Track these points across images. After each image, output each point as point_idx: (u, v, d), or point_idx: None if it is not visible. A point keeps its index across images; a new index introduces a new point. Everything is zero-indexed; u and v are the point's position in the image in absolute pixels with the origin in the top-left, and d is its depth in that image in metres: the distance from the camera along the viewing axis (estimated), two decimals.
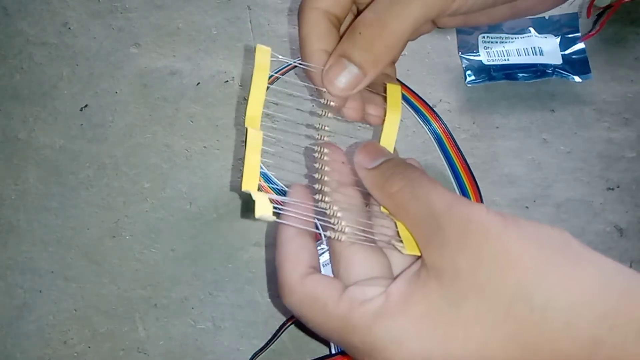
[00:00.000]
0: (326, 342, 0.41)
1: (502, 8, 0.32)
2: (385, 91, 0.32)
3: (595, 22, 0.50)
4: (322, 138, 0.30)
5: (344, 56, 0.28)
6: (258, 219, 0.26)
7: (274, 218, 0.27)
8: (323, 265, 0.42)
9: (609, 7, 0.48)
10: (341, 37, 0.30)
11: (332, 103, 0.30)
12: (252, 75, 0.29)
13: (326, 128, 0.30)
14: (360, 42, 0.28)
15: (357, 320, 0.25)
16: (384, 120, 0.31)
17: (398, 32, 0.28)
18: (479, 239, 0.23)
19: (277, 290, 0.43)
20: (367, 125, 0.33)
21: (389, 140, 0.31)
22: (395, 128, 0.31)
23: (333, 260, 0.28)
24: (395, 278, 0.26)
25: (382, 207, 0.28)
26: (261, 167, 0.45)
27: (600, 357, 0.22)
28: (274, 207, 0.27)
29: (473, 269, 0.23)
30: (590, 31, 0.50)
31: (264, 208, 0.26)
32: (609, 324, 0.21)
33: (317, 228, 0.44)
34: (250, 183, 0.27)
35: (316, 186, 0.29)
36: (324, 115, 0.30)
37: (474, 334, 0.23)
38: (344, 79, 0.28)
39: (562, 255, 0.23)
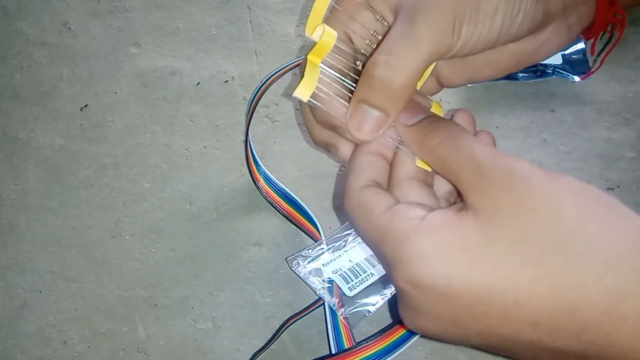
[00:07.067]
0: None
1: (505, 56, 0.32)
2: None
3: (596, 59, 0.49)
4: None
5: (363, 102, 0.29)
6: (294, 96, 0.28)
7: (305, 100, 0.28)
8: (323, 265, 0.42)
9: (609, 41, 0.48)
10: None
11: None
12: None
13: None
14: (377, 85, 0.28)
15: (392, 232, 0.26)
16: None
17: (411, 70, 0.28)
18: (523, 186, 0.24)
19: (277, 289, 0.43)
20: None
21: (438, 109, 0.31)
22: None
23: (390, 187, 0.30)
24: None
25: (418, 162, 0.29)
26: (262, 166, 0.46)
27: (624, 307, 0.22)
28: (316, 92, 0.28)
29: (513, 212, 0.24)
30: (590, 68, 0.49)
31: (306, 88, 0.28)
32: (638, 278, 0.22)
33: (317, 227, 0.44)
34: (313, 27, 0.28)
35: None
36: None
37: (502, 269, 0.24)
38: (368, 124, 0.29)
39: (604, 210, 0.24)
